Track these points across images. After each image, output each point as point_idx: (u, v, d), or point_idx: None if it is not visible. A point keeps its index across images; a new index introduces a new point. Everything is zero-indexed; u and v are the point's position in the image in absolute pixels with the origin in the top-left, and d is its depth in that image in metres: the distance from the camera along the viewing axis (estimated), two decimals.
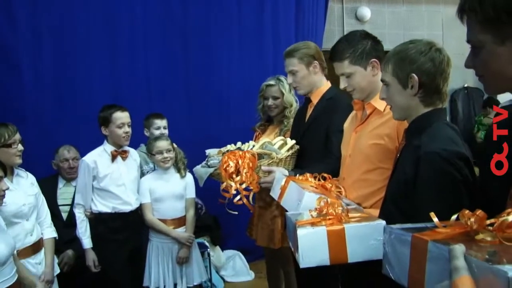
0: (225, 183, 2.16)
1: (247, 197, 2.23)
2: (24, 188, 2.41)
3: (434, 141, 1.30)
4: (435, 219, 0.99)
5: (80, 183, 2.78)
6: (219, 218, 3.94)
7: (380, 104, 1.74)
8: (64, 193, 3.25)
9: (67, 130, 3.66)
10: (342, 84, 1.88)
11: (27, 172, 2.53)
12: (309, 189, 1.69)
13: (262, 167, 2.20)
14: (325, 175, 1.89)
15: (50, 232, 2.55)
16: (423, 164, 1.27)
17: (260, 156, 2.21)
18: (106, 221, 2.75)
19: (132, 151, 2.96)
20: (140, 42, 4.01)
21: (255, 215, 2.87)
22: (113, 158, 2.79)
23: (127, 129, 2.79)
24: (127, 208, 2.79)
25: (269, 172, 2.19)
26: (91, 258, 2.74)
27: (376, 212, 1.57)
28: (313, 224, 1.34)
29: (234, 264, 4.12)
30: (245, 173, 2.11)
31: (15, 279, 2.01)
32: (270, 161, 2.21)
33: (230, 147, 2.44)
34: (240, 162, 2.13)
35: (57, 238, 2.60)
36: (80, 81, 3.80)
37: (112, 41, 3.92)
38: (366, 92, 1.83)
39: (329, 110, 2.27)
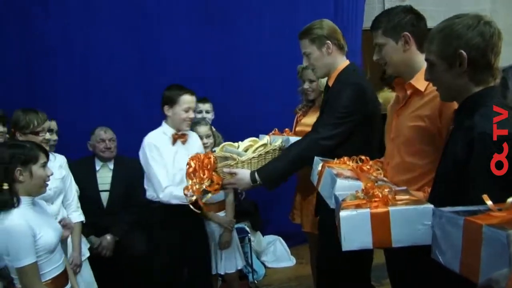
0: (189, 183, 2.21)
1: (202, 197, 2.22)
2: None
3: (488, 121, 1.21)
4: (489, 202, 0.93)
5: (155, 166, 2.54)
6: (258, 203, 3.95)
7: (421, 84, 1.66)
8: (102, 177, 3.19)
9: (97, 114, 3.72)
10: (375, 56, 1.83)
11: (55, 154, 2.54)
12: (343, 175, 1.64)
13: (224, 169, 2.19)
14: (363, 157, 1.83)
15: (77, 216, 2.56)
16: (477, 145, 1.19)
17: (226, 158, 2.21)
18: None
19: (191, 134, 2.79)
20: (167, 29, 3.99)
21: (298, 200, 2.84)
22: (174, 141, 2.64)
23: (192, 114, 2.65)
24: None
25: (233, 174, 2.18)
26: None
27: (421, 194, 1.52)
28: (358, 206, 1.30)
29: (274, 250, 4.11)
30: (201, 174, 2.18)
31: (64, 267, 2.01)
32: (233, 163, 2.18)
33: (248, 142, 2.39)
34: (193, 164, 2.21)
35: (84, 221, 2.60)
36: (107, 67, 3.86)
37: (139, 30, 3.94)
38: (398, 68, 1.76)
39: (335, 93, 2.16)
